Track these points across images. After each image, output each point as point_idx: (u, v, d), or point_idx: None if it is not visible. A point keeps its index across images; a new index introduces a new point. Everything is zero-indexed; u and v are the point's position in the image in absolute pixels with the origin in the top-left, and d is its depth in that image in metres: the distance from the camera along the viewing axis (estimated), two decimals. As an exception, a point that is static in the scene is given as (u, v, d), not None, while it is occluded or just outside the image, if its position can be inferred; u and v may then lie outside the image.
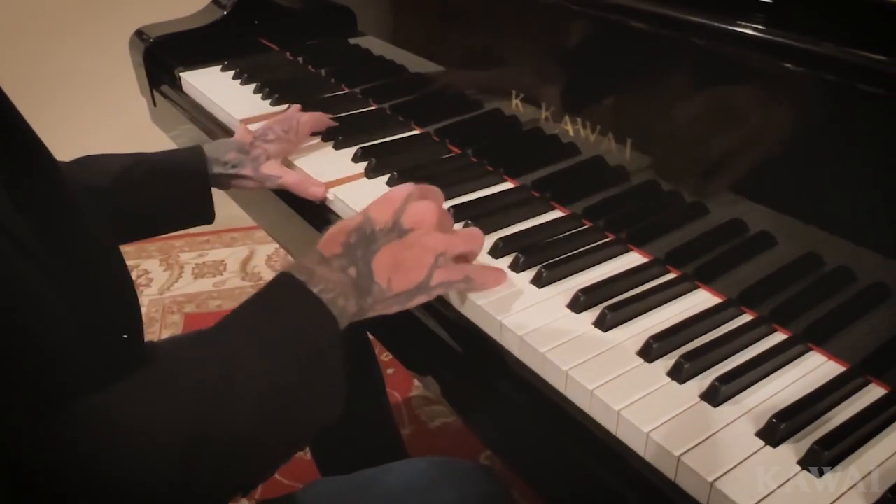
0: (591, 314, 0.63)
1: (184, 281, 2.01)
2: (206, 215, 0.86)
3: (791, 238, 0.60)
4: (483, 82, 0.86)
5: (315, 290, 0.54)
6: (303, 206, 0.85)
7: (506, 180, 0.84)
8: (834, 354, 0.59)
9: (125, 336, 0.66)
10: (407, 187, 0.62)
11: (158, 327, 1.83)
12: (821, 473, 0.49)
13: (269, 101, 1.07)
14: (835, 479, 0.49)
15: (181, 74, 1.15)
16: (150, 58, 1.19)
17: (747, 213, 0.63)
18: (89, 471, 0.44)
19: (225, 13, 1.22)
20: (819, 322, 0.60)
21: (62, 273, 0.52)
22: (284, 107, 1.02)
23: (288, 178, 0.86)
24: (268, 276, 2.04)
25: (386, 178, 0.85)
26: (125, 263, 0.69)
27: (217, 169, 0.85)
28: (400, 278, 0.58)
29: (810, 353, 0.59)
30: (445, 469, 0.75)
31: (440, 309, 0.67)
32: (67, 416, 0.44)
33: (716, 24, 0.60)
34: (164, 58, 1.19)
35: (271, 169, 0.86)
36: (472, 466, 0.76)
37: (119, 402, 0.46)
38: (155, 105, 1.23)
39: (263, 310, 0.54)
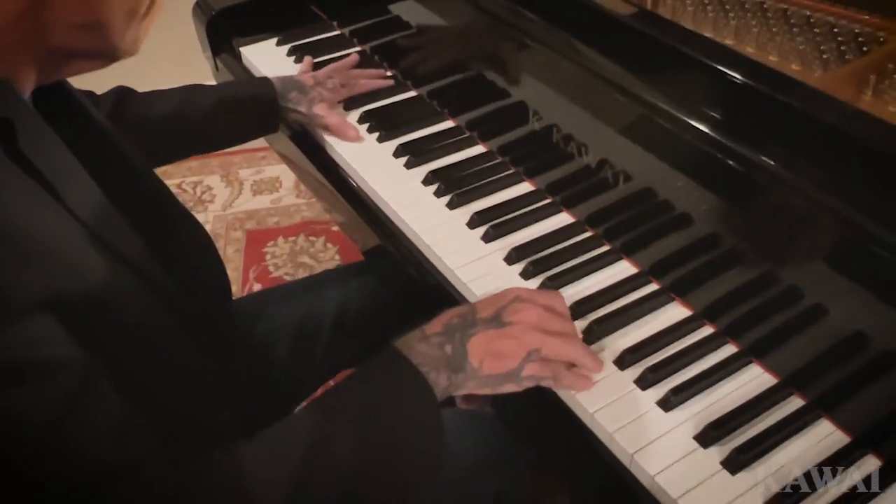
0: (581, 322, 0.79)
1: (244, 197, 2.20)
2: (273, 130, 1.11)
3: (754, 259, 0.74)
4: (510, 80, 0.98)
5: (414, 363, 0.64)
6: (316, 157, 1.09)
7: (524, 181, 0.98)
8: (769, 367, 0.74)
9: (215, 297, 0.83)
10: (518, 290, 0.71)
11: (223, 243, 2.04)
12: (735, 472, 0.66)
13: (320, 82, 1.20)
14: (745, 478, 0.66)
15: (241, 49, 1.28)
16: (212, 29, 1.32)
17: (724, 229, 0.76)
18: None
19: (276, -16, 1.33)
20: (763, 338, 0.75)
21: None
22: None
23: (331, 120, 1.07)
24: (319, 192, 2.22)
25: (423, 174, 0.99)
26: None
27: (281, 103, 1.07)
28: (491, 363, 0.66)
29: (751, 366, 0.75)
30: (464, 418, 0.92)
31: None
32: (198, 469, 0.58)
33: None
34: (225, 29, 1.32)
35: (320, 110, 1.07)
36: (490, 416, 0.94)
37: (233, 463, 0.59)
38: (217, 70, 1.36)
39: (364, 376, 0.66)
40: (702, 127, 0.73)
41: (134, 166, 0.77)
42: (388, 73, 1.18)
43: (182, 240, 0.79)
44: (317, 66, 1.19)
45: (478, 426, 0.91)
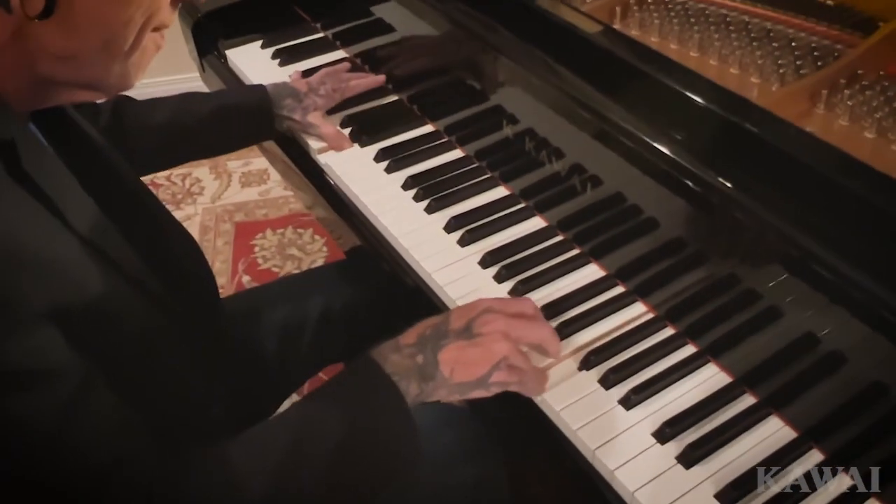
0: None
1: (233, 189, 2.23)
2: (269, 137, 1.15)
3: (714, 264, 0.79)
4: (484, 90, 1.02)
5: (387, 371, 0.68)
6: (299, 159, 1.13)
7: (500, 185, 1.02)
8: (725, 366, 0.79)
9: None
10: (488, 301, 0.75)
11: (213, 235, 2.07)
12: (689, 467, 0.71)
13: (304, 85, 1.23)
14: (699, 472, 0.71)
15: (227, 52, 1.32)
16: (198, 31, 1.35)
17: (684, 237, 0.80)
18: None
19: (260, -14, 1.35)
20: (720, 339, 0.80)
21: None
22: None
23: (325, 130, 1.10)
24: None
25: (402, 179, 1.03)
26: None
27: (276, 110, 1.10)
28: (461, 371, 0.69)
29: (707, 365, 0.80)
30: (444, 414, 0.97)
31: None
32: (187, 464, 0.62)
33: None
34: (210, 30, 1.35)
35: (315, 119, 1.10)
36: (467, 410, 0.99)
37: (220, 458, 0.64)
38: (204, 71, 1.39)
39: (340, 384, 0.71)
40: (661, 147, 0.77)
41: (124, 179, 0.81)
42: (382, 79, 1.21)
43: (170, 246, 0.83)
44: (309, 74, 1.22)
45: (455, 421, 0.95)
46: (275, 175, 2.24)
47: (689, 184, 0.75)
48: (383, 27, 1.21)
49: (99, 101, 1.00)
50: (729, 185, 0.72)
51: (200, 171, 2.28)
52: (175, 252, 0.83)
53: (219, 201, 2.19)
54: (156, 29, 0.65)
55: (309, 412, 0.69)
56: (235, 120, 1.08)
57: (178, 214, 2.13)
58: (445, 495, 0.89)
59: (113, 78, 0.65)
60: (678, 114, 0.79)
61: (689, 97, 0.79)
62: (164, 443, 0.63)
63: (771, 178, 0.72)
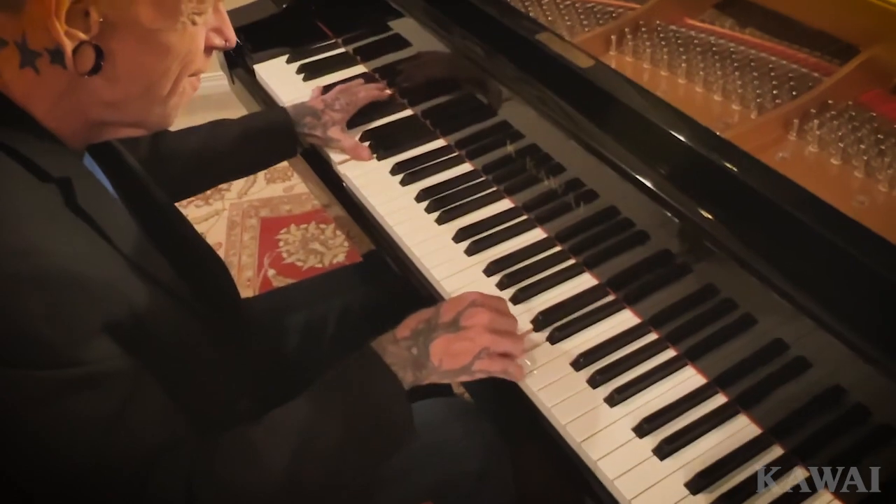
0: (545, 330, 0.93)
1: (258, 185, 2.34)
2: (292, 154, 1.25)
3: (695, 276, 0.87)
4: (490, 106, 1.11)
5: (387, 362, 0.79)
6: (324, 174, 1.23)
7: (505, 198, 1.11)
8: (701, 369, 0.88)
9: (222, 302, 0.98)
10: (473, 294, 0.85)
11: (239, 230, 2.18)
12: (663, 458, 0.80)
13: (326, 100, 1.33)
14: (671, 463, 0.80)
15: (254, 67, 1.41)
16: (227, 46, 1.44)
17: (670, 252, 0.89)
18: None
19: (284, 6, 1.45)
20: (698, 343, 0.88)
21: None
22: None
23: (346, 143, 1.20)
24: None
25: (415, 191, 1.13)
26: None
27: (297, 129, 1.20)
28: (448, 360, 0.81)
29: (685, 368, 0.89)
30: (454, 407, 1.07)
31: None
32: (218, 445, 0.74)
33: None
34: (239, 46, 1.44)
35: (335, 133, 1.20)
36: (477, 405, 1.09)
37: (246, 440, 0.76)
38: (233, 83, 1.49)
39: (347, 371, 0.80)
40: (644, 180, 0.86)
41: (159, 201, 0.91)
42: (388, 91, 1.31)
43: (197, 259, 0.93)
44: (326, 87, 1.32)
45: (463, 415, 1.05)
46: (298, 172, 2.35)
47: (669, 214, 0.84)
48: (400, 42, 1.30)
49: None
50: (707, 214, 0.81)
51: (228, 167, 2.39)
52: (201, 264, 0.94)
53: (245, 197, 2.30)
54: (192, 74, 0.74)
55: (321, 397, 0.80)
56: (262, 142, 1.18)
57: (205, 210, 2.25)
58: (452, 484, 0.99)
59: (154, 118, 0.75)
60: (662, 146, 0.87)
61: (672, 134, 0.87)
62: (199, 429, 0.75)
63: (741, 207, 0.80)
